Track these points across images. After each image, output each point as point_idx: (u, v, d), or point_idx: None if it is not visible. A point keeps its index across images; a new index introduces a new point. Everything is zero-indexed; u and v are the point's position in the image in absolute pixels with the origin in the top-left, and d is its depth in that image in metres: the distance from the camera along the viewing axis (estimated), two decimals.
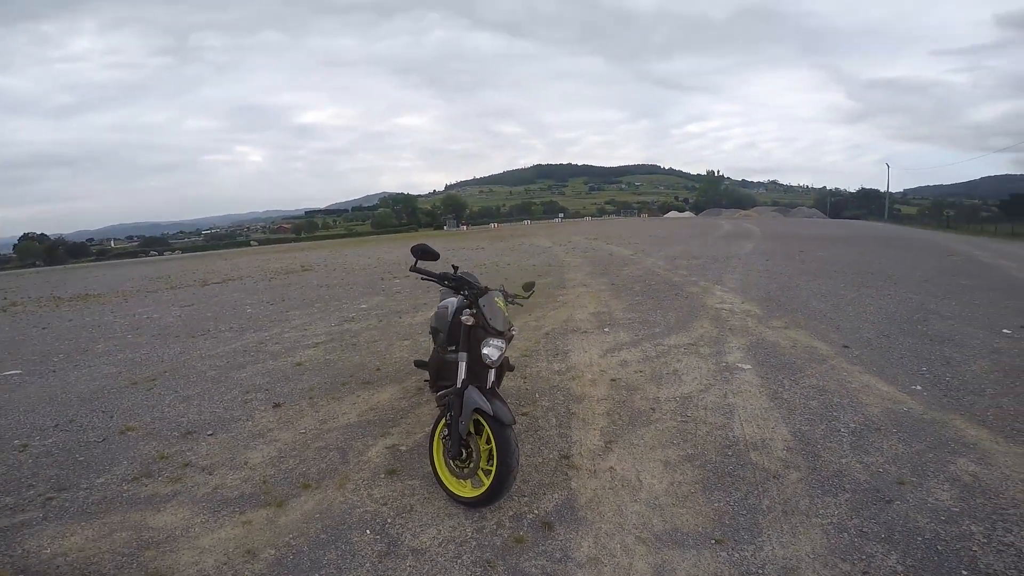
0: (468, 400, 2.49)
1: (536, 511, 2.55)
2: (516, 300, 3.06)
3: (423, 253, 2.74)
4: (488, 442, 2.50)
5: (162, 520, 2.60)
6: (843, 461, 2.92)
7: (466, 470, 2.59)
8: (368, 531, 2.45)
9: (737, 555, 2.18)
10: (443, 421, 2.67)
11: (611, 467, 2.95)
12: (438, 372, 2.99)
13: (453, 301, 3.03)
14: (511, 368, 3.15)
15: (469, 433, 2.53)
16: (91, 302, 12.13)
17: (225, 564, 2.24)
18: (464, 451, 2.57)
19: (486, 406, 2.44)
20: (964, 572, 2.04)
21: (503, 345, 2.63)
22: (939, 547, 2.17)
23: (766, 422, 3.43)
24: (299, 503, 2.71)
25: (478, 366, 2.62)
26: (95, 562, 2.27)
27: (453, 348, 2.78)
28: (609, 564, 2.17)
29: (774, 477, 2.79)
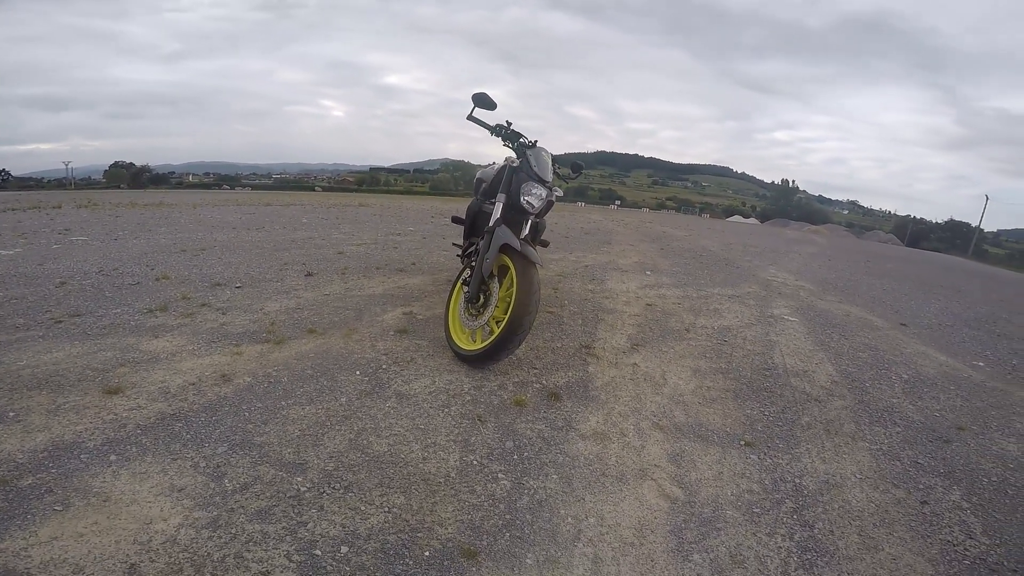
0: (497, 236, 2.39)
1: (544, 382, 2.44)
2: (560, 171, 2.92)
3: (481, 101, 2.60)
4: (509, 288, 2.38)
5: (155, 345, 2.51)
6: (894, 401, 2.65)
7: (479, 318, 2.48)
8: (358, 372, 2.37)
9: (769, 460, 2.01)
10: (465, 273, 2.60)
11: (634, 363, 2.79)
12: (473, 222, 2.92)
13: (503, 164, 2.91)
14: (545, 244, 3.03)
15: (492, 275, 2.43)
16: (164, 208, 12.94)
17: (192, 384, 2.13)
18: (482, 296, 2.48)
19: (514, 242, 2.32)
20: None
21: (544, 194, 2.51)
22: (1009, 491, 1.94)
23: (810, 359, 3.15)
24: (298, 344, 2.65)
25: (514, 212, 2.51)
26: (60, 373, 2.15)
27: (493, 201, 2.65)
28: (618, 442, 2.03)
29: (816, 400, 2.57)
